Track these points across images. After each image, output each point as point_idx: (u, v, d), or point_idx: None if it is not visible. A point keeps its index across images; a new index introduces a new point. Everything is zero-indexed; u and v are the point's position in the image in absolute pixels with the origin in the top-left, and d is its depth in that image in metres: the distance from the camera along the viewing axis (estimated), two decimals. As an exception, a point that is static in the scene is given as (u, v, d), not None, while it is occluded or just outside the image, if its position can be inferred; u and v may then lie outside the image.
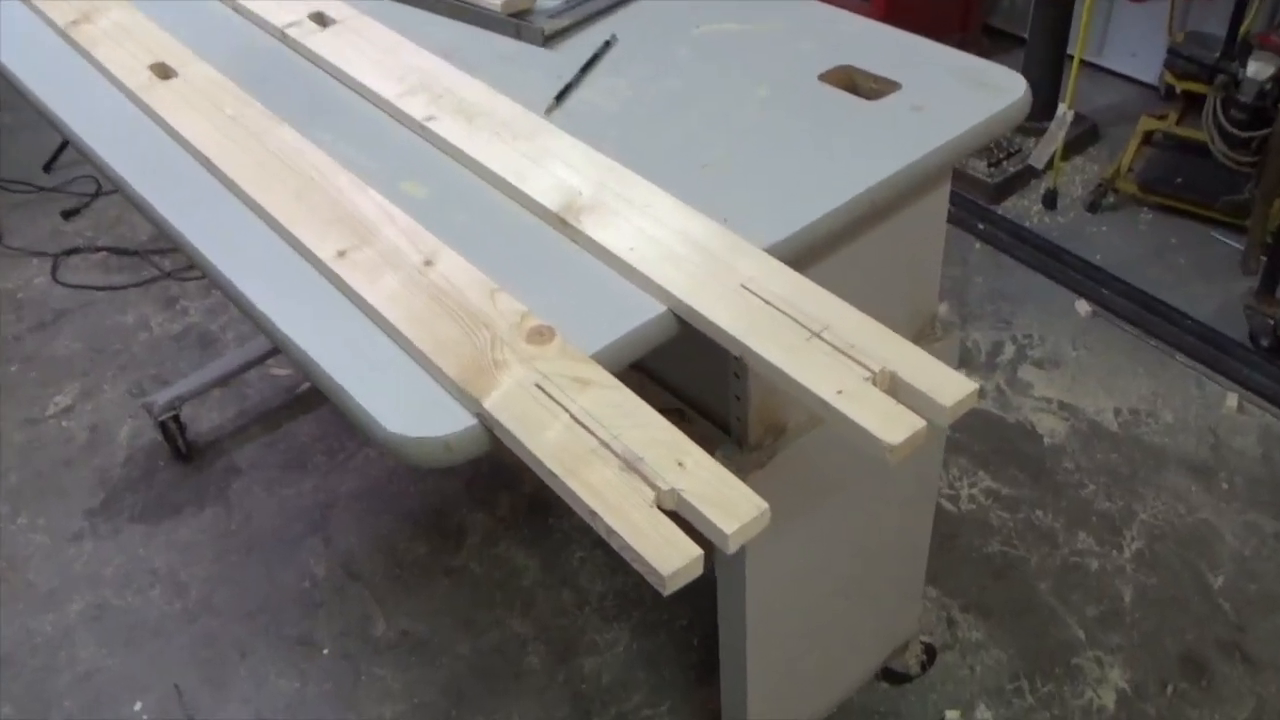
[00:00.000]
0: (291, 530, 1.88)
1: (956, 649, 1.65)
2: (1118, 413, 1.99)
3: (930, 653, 1.60)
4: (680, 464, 0.75)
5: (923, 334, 1.24)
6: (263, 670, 1.70)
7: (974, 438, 1.95)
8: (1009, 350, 2.12)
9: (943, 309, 2.19)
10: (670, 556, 0.70)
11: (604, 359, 0.84)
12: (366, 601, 1.79)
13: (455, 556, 1.83)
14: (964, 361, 2.10)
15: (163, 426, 1.99)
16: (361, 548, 1.86)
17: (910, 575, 1.50)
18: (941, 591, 1.72)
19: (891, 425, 0.76)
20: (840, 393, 0.78)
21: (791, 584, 1.27)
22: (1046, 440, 1.94)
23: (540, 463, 0.77)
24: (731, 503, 0.73)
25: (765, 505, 0.73)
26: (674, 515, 0.75)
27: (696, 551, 0.70)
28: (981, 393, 2.03)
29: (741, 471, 1.11)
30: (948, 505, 1.85)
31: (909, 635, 1.57)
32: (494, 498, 1.90)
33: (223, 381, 2.10)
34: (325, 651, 1.73)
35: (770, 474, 1.13)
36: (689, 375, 1.09)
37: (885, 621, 1.51)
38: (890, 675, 1.58)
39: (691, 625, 1.70)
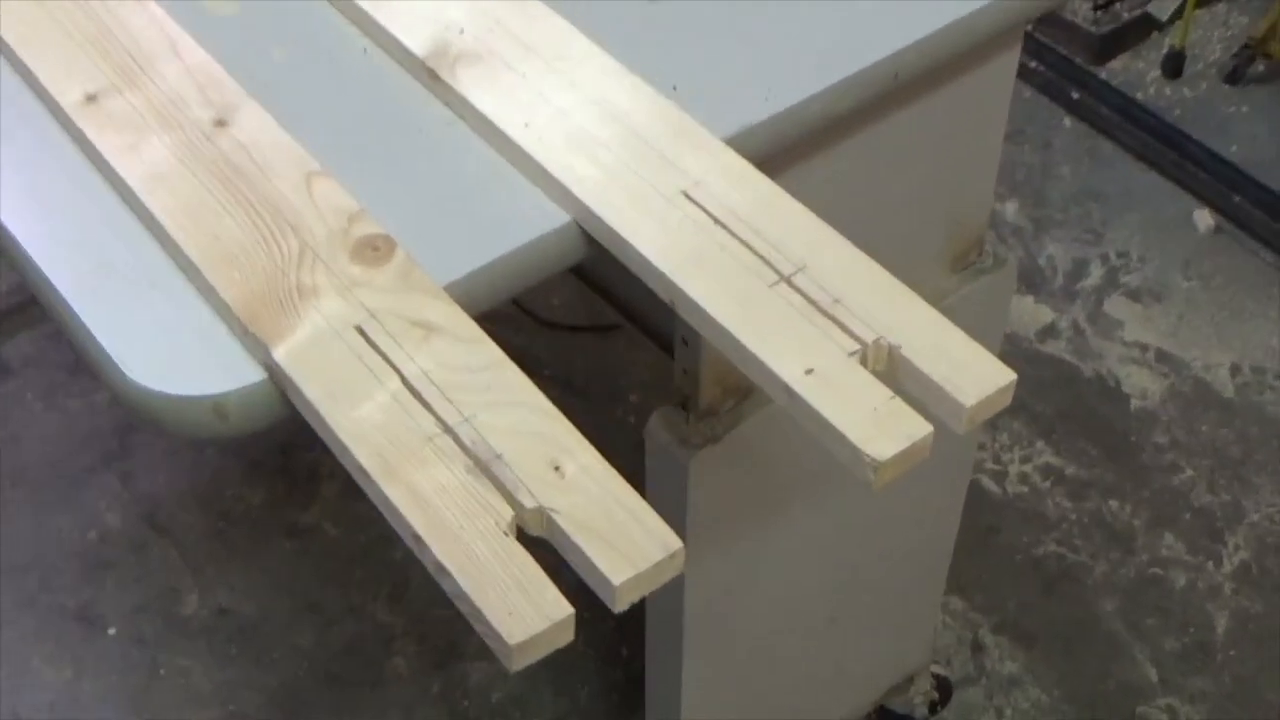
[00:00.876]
0: (77, 460, 1.84)
1: (981, 685, 1.64)
2: (1235, 371, 1.95)
3: (944, 689, 1.59)
4: (557, 468, 0.68)
5: (963, 260, 1.17)
6: (23, 652, 1.66)
7: (1035, 393, 1.92)
8: (1095, 273, 2.07)
9: (1010, 209, 2.12)
10: (524, 616, 0.62)
11: (466, 293, 0.77)
12: (174, 566, 1.75)
13: (304, 512, 1.80)
14: (1033, 285, 2.06)
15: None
16: (172, 491, 1.82)
17: (925, 585, 1.49)
18: (968, 605, 1.70)
19: (880, 429, 0.69)
20: (810, 372, 0.71)
21: (751, 601, 1.24)
22: (1134, 403, 1.91)
23: (346, 451, 0.69)
24: (628, 537, 0.65)
25: (678, 545, 0.65)
26: (540, 544, 0.67)
27: (564, 612, 0.63)
28: (1052, 329, 1.98)
29: (687, 444, 1.06)
30: (990, 485, 1.82)
31: (917, 666, 1.56)
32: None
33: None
34: (111, 631, 1.70)
35: (726, 452, 1.08)
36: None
37: (885, 647, 1.50)
38: (887, 716, 1.57)
39: (621, 629, 1.66)
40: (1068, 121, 2.31)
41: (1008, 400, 0.72)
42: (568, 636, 0.63)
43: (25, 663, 1.66)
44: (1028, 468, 1.84)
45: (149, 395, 0.73)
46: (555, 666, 1.62)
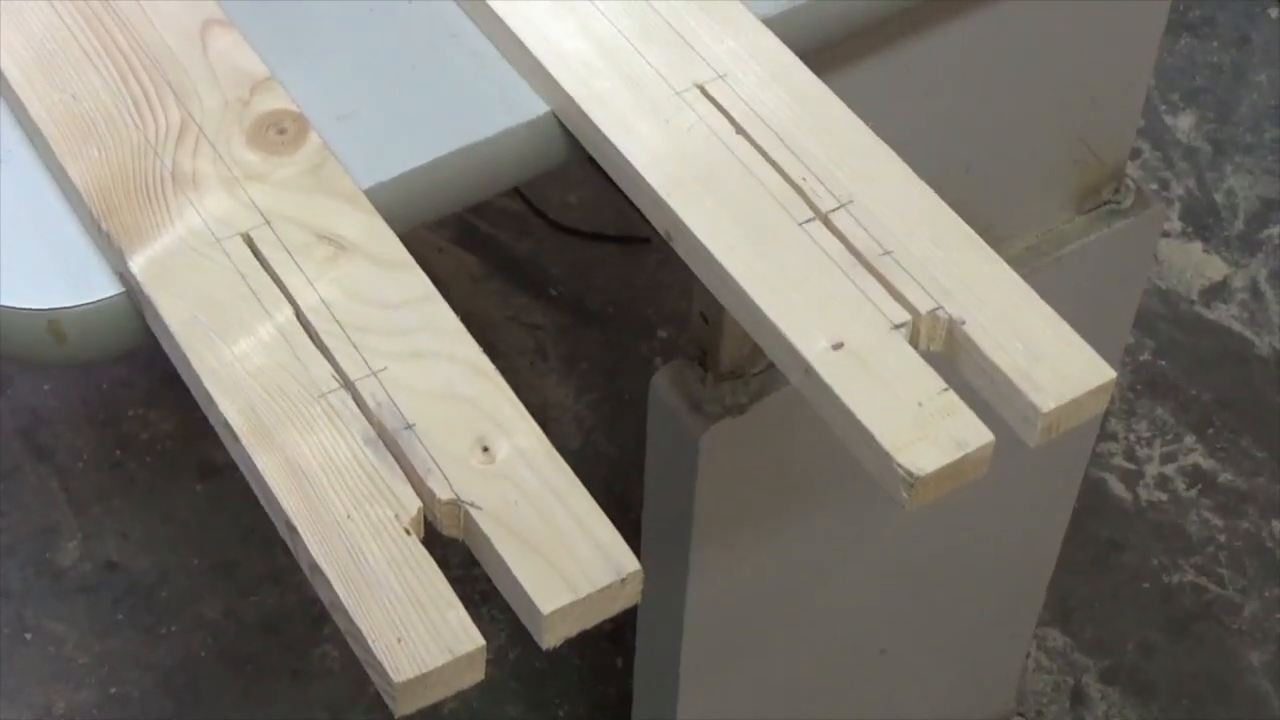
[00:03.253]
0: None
1: None
2: None
3: None
4: (486, 449, 0.66)
5: (1093, 197, 1.15)
6: None
7: (1190, 372, 1.89)
8: (1286, 219, 2.03)
9: (1183, 124, 2.07)
10: (417, 646, 0.60)
11: (395, 201, 0.75)
12: (53, 502, 1.76)
13: (223, 448, 1.78)
14: (1203, 228, 2.02)
15: None
16: (60, 405, 1.82)
17: (1013, 613, 1.48)
18: (1071, 642, 1.69)
19: (923, 432, 0.66)
20: (839, 347, 0.68)
21: (771, 621, 1.23)
22: (1321, 396, 1.87)
23: (210, 401, 0.67)
24: (569, 550, 0.63)
25: (634, 567, 0.63)
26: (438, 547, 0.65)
27: (472, 643, 0.61)
28: (1223, 289, 1.94)
29: (701, 412, 1.05)
30: (1116, 487, 1.80)
31: (994, 715, 1.56)
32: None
33: None
34: None
35: (750, 426, 1.06)
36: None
37: (952, 689, 1.49)
38: None
39: (616, 635, 1.65)
40: (1275, 11, 2.25)
41: (1102, 407, 0.69)
42: (476, 675, 0.61)
43: None
44: (1170, 469, 1.81)
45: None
46: (528, 676, 1.64)
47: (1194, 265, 1.97)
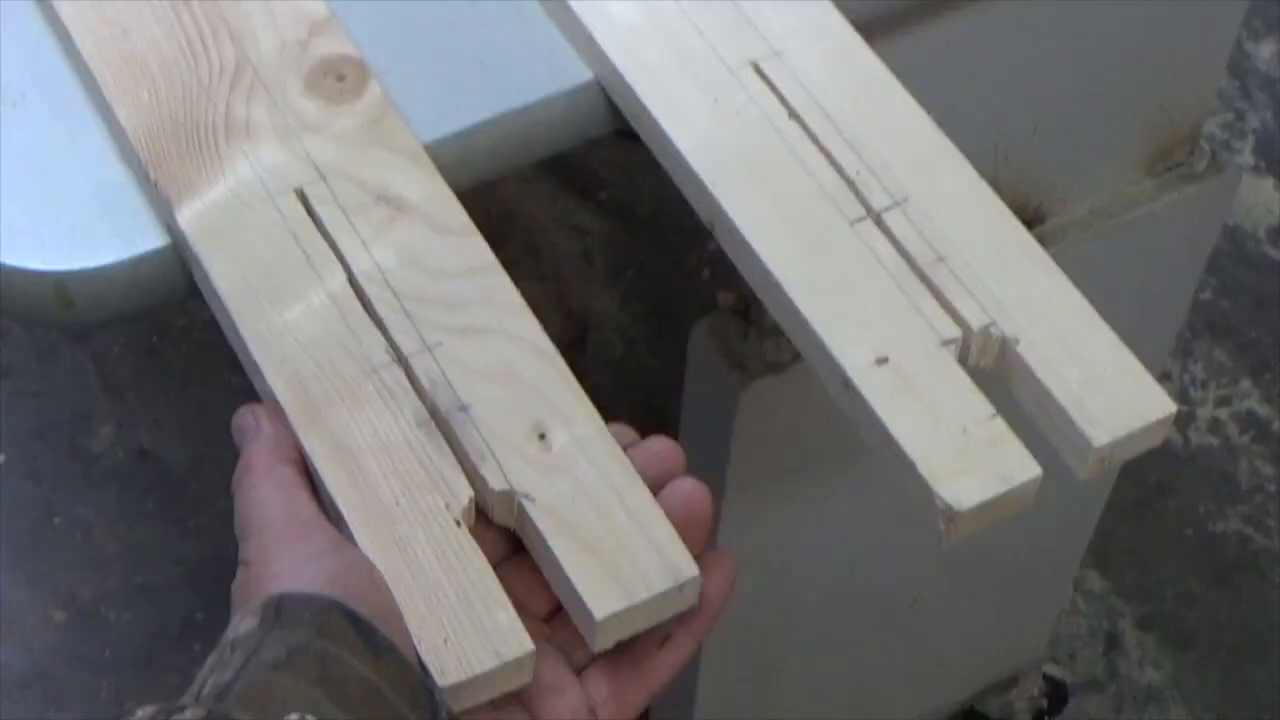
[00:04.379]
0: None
1: (1109, 694, 1.62)
2: None
3: (1057, 695, 1.58)
4: (542, 436, 0.63)
5: (1165, 160, 1.12)
6: None
7: (1251, 313, 1.86)
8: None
9: (1264, 51, 2.01)
10: (466, 648, 0.58)
11: (456, 157, 0.72)
12: (87, 387, 1.75)
13: None
14: (1273, 165, 1.98)
15: None
16: None
17: (1054, 560, 1.46)
18: (1110, 586, 1.68)
19: (966, 461, 0.63)
20: (882, 362, 0.65)
21: (802, 576, 1.22)
22: (1388, 345, 1.85)
23: (259, 372, 0.65)
24: (626, 551, 0.61)
25: (692, 573, 0.61)
26: (504, 539, 0.63)
27: (522, 648, 0.59)
28: (1288, 228, 1.90)
29: (741, 368, 1.02)
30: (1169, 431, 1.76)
31: (1026, 662, 1.54)
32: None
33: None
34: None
35: (791, 386, 1.03)
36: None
37: (985, 636, 1.48)
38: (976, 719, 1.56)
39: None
40: (1362, -64, 2.18)
41: (1158, 440, 0.66)
42: (523, 680, 0.60)
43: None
44: (1223, 413, 1.78)
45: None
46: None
47: (1264, 202, 1.93)
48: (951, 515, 0.62)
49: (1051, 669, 1.56)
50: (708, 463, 1.08)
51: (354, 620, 0.55)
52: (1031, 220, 1.06)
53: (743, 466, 1.07)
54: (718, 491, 1.08)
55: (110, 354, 1.77)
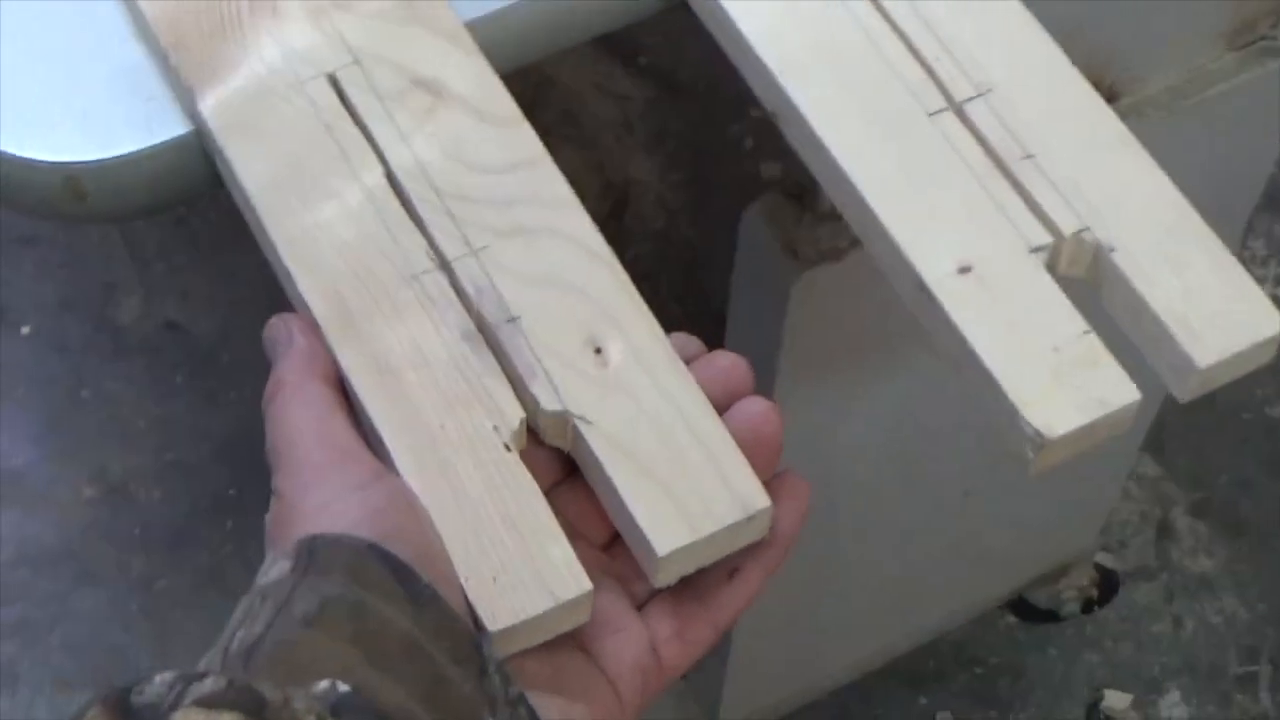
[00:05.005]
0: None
1: (1159, 582, 1.58)
2: None
3: (1108, 584, 1.56)
4: (598, 350, 0.58)
5: (1247, 34, 1.05)
6: None
7: None
8: None
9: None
10: (517, 588, 0.53)
11: (500, 37, 0.66)
12: (114, 256, 1.71)
13: None
14: None
15: None
16: None
17: (1110, 451, 1.39)
18: (1163, 471, 1.64)
19: (1057, 384, 0.57)
20: (965, 271, 0.59)
21: (849, 471, 1.18)
22: None
23: (290, 279, 0.59)
24: (690, 478, 0.56)
25: (764, 504, 0.56)
26: (557, 459, 0.58)
27: (579, 587, 0.54)
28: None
29: (796, 255, 0.97)
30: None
31: (1077, 552, 1.53)
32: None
33: None
34: (25, 330, 1.68)
35: (847, 276, 0.97)
36: None
37: (1036, 526, 1.44)
38: (1025, 610, 1.55)
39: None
40: None
41: (1265, 359, 0.60)
42: (580, 619, 0.55)
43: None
44: (1291, 286, 1.73)
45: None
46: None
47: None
48: (1041, 443, 0.56)
49: (1102, 558, 1.54)
50: (758, 351, 1.03)
51: (392, 565, 0.50)
52: (1104, 99, 1.00)
53: (794, 356, 1.02)
54: (767, 381, 1.03)
55: (137, 224, 1.71)
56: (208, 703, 0.43)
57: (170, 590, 1.53)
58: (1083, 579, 1.53)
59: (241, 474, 1.58)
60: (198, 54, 0.62)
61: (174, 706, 0.43)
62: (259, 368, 1.67)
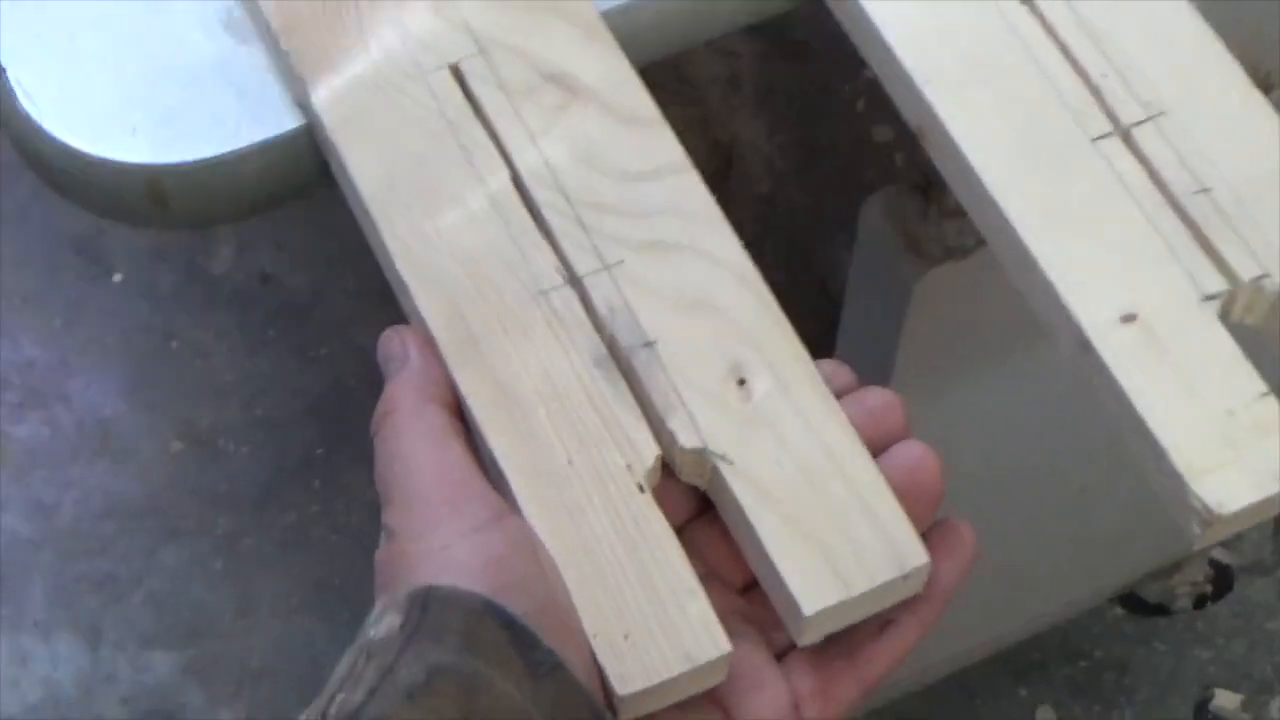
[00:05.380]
0: None
1: (1276, 578, 1.52)
2: None
3: (1222, 580, 1.51)
4: (742, 382, 0.53)
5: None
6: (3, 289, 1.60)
7: None
8: None
9: None
10: (649, 649, 0.49)
11: (639, 28, 0.61)
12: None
13: None
14: None
15: None
16: None
17: None
18: None
19: (1232, 451, 0.52)
20: (1129, 320, 0.54)
21: (961, 467, 1.11)
22: None
23: (406, 291, 0.54)
24: (841, 527, 0.51)
25: (922, 560, 0.50)
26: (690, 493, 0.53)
27: (717, 649, 0.49)
28: None
29: (919, 252, 0.92)
30: None
31: (1191, 548, 1.43)
32: None
33: None
34: (117, 278, 1.64)
35: (971, 274, 0.93)
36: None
37: (1153, 522, 1.36)
38: (1134, 604, 1.50)
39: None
40: None
41: None
42: (717, 679, 0.50)
43: (4, 303, 1.60)
44: None
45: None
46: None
47: None
48: (1210, 519, 0.50)
49: (1218, 553, 1.49)
50: (874, 348, 0.99)
51: (511, 628, 0.45)
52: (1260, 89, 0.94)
53: (911, 354, 0.97)
54: (883, 378, 0.98)
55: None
56: None
57: (255, 549, 1.50)
58: (1197, 574, 1.48)
59: (330, 433, 1.55)
60: (312, 40, 0.58)
61: None
62: (352, 325, 1.63)
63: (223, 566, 1.50)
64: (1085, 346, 0.54)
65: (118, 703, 1.43)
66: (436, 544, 0.48)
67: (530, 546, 0.49)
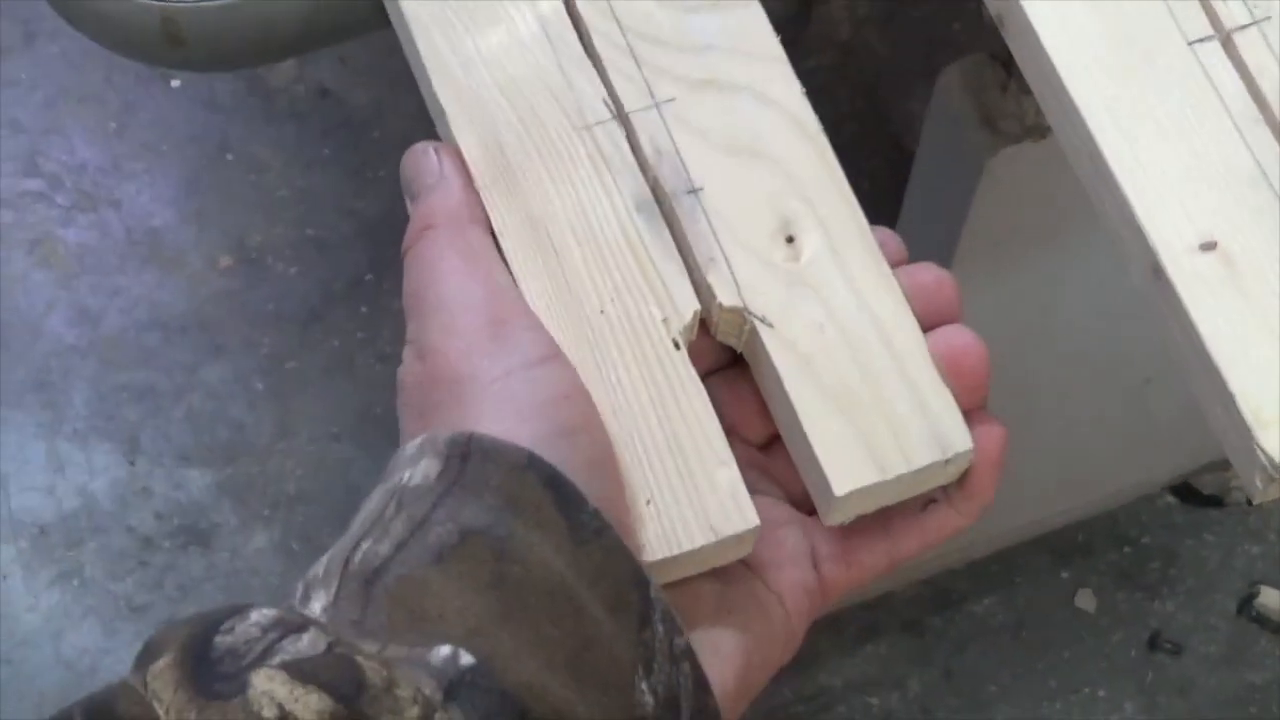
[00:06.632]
0: None
1: None
2: None
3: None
4: (790, 240, 0.50)
5: None
6: (53, 84, 1.58)
7: None
8: None
9: None
10: (674, 519, 0.46)
11: None
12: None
13: None
14: None
15: None
16: None
17: None
18: None
19: None
20: (1208, 248, 0.49)
21: (1023, 358, 1.11)
22: None
23: (444, 118, 0.51)
24: (880, 404, 0.48)
25: (965, 446, 0.48)
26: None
27: (745, 522, 0.46)
28: None
29: (994, 129, 0.87)
30: None
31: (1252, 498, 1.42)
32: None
33: None
34: (175, 84, 1.61)
35: (1047, 154, 0.87)
36: None
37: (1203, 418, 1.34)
38: (1188, 494, 1.47)
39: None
40: None
41: None
42: (744, 550, 0.47)
43: (56, 102, 1.57)
44: None
45: None
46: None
47: None
48: (1274, 475, 0.47)
49: (1280, 453, 1.44)
50: (939, 222, 0.95)
51: (555, 486, 0.42)
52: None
53: (978, 232, 0.94)
54: (945, 256, 0.95)
55: (297, -19, 1.64)
56: (298, 671, 0.36)
57: (298, 372, 1.48)
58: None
59: (380, 258, 1.52)
60: None
61: (259, 663, 0.36)
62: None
63: (264, 388, 1.48)
64: (1157, 271, 0.50)
65: (152, 517, 1.42)
66: (495, 371, 0.44)
67: (584, 396, 0.46)
